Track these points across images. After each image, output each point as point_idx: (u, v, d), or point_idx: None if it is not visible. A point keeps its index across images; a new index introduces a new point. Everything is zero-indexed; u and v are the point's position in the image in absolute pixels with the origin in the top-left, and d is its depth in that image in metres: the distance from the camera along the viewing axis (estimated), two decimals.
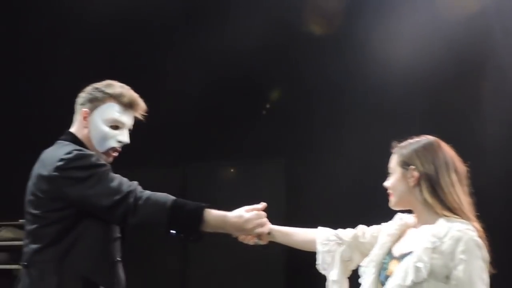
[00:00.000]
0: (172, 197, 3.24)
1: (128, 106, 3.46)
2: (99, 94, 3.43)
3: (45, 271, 3.24)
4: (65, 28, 7.73)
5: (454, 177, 2.99)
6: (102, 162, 3.34)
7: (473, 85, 6.90)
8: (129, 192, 3.21)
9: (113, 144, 3.45)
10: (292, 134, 7.62)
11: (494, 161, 6.75)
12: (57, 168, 3.25)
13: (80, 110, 3.46)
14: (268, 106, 7.87)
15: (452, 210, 2.96)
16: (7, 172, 7.27)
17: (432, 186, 2.97)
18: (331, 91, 7.35)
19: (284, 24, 7.39)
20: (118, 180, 3.27)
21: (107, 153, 3.46)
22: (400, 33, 6.97)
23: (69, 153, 3.27)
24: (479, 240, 2.89)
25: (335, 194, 7.07)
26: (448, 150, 3.07)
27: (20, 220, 8.12)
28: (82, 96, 3.49)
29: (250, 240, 3.40)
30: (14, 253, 7.16)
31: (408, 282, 2.85)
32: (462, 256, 2.82)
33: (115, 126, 3.45)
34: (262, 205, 3.38)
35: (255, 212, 3.30)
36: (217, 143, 7.92)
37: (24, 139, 7.34)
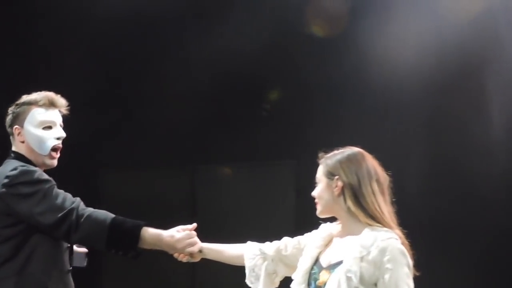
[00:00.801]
0: (112, 216, 3.40)
1: (49, 105, 3.64)
2: (20, 109, 3.64)
3: (6, 287, 3.40)
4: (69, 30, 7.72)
5: (376, 187, 3.12)
6: (46, 177, 3.51)
7: (477, 87, 6.89)
8: (72, 210, 3.37)
9: (53, 142, 3.62)
10: (302, 135, 7.60)
11: (497, 163, 6.76)
12: (4, 185, 3.43)
13: (12, 129, 3.66)
14: (274, 107, 7.85)
15: (374, 218, 3.10)
16: None
17: (355, 195, 3.12)
18: (337, 92, 7.34)
19: (291, 25, 7.38)
20: (62, 196, 3.43)
21: (50, 154, 3.62)
22: (404, 34, 6.96)
23: (14, 169, 3.46)
24: (403, 248, 3.04)
25: None
26: (371, 161, 3.21)
27: None
28: (9, 118, 3.70)
29: (183, 258, 3.56)
30: None
31: None
32: (388, 265, 2.98)
33: (47, 127, 3.62)
34: (193, 225, 3.55)
35: (186, 232, 3.47)
36: (226, 144, 7.91)
37: None
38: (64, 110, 3.73)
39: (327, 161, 3.25)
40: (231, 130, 7.80)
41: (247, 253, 3.56)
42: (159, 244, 3.45)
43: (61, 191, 3.47)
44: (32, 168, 3.50)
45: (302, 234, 3.36)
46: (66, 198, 3.43)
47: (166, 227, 3.63)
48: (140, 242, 3.39)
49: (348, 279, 3.01)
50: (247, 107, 7.78)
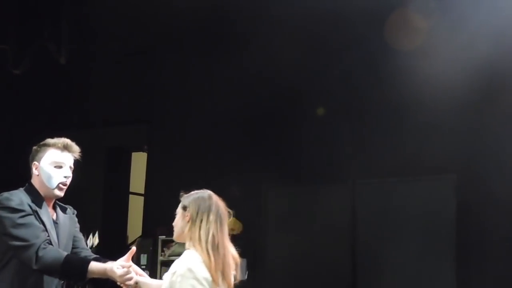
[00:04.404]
0: (64, 254, 4.11)
1: (64, 148, 4.35)
2: (40, 148, 4.35)
3: None
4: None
5: (212, 218, 3.93)
6: (23, 208, 4.15)
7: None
8: (34, 244, 4.07)
9: (60, 179, 4.31)
10: (463, 148, 7.51)
11: None
12: None
13: (32, 164, 4.35)
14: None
15: (193, 244, 3.91)
16: None
17: (193, 225, 3.93)
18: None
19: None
20: (31, 229, 4.12)
21: (58, 186, 4.30)
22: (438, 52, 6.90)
23: (1, 195, 4.21)
24: (192, 265, 3.80)
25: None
26: (216, 200, 4.01)
27: None
28: (31, 155, 4.38)
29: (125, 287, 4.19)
30: None
31: None
32: (175, 278, 3.81)
33: (58, 166, 4.31)
34: (129, 263, 4.13)
35: (124, 270, 4.08)
36: (388, 158, 7.90)
37: None
38: (77, 155, 4.41)
39: (184, 198, 4.02)
40: (397, 143, 7.82)
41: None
42: (104, 275, 4.13)
43: (33, 223, 4.14)
44: (13, 196, 4.19)
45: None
46: (33, 232, 4.11)
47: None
48: (88, 274, 4.11)
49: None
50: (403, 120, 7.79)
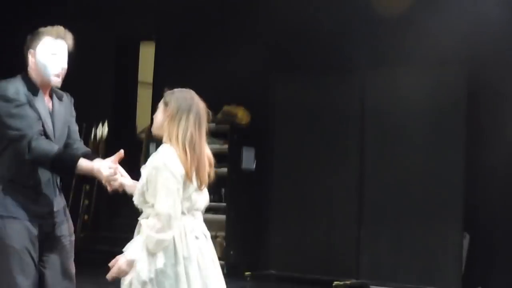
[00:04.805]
0: (55, 148, 4.21)
1: (58, 36, 4.36)
2: (35, 37, 4.35)
3: None
4: None
5: (192, 117, 4.01)
6: (18, 98, 4.23)
7: None
8: (26, 135, 4.17)
9: (56, 70, 4.32)
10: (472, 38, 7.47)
11: None
12: None
13: (28, 52, 4.36)
14: None
15: (170, 139, 4.01)
16: None
17: (172, 121, 4.02)
18: None
19: None
20: (25, 120, 4.20)
21: (55, 75, 4.32)
22: None
23: None
24: (167, 159, 3.94)
25: None
26: (198, 101, 4.07)
27: None
28: (26, 44, 4.40)
29: (109, 188, 4.31)
30: None
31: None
32: (151, 171, 3.95)
33: (53, 54, 4.32)
34: (116, 165, 4.26)
35: (111, 171, 4.22)
36: (396, 47, 7.87)
37: None
38: (71, 44, 4.39)
39: (167, 94, 4.10)
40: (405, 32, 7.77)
41: None
42: (91, 174, 4.25)
43: (27, 114, 4.21)
44: (10, 86, 4.25)
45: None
46: (28, 123, 4.20)
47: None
48: (76, 170, 4.25)
49: (141, 181, 4.00)
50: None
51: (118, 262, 3.97)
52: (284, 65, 8.60)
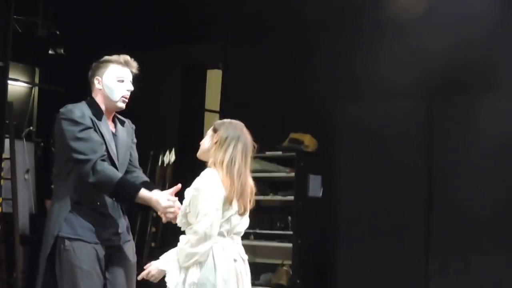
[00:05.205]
0: (119, 175, 4.35)
1: (124, 64, 4.54)
2: (102, 64, 4.54)
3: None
4: None
5: (239, 146, 4.14)
6: (83, 121, 4.35)
7: None
8: (91, 159, 4.28)
9: (123, 93, 4.51)
10: None
11: None
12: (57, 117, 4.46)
13: (94, 79, 4.54)
14: None
15: (215, 164, 4.15)
16: None
17: (220, 147, 4.17)
18: None
19: None
20: (89, 143, 4.32)
21: (121, 99, 4.50)
22: None
23: (65, 106, 4.42)
24: (210, 181, 4.08)
25: None
26: (246, 132, 4.24)
27: (267, 153, 8.41)
28: (92, 71, 4.58)
29: (164, 219, 4.46)
30: (261, 184, 7.37)
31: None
32: (195, 193, 4.10)
33: (120, 80, 4.50)
34: (175, 198, 4.42)
35: (169, 203, 4.36)
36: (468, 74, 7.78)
37: None
38: (135, 71, 4.58)
39: (216, 123, 4.31)
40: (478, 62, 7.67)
41: None
42: (148, 204, 4.39)
43: (92, 138, 4.33)
44: (76, 110, 4.38)
45: None
46: (92, 147, 4.31)
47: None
48: (136, 199, 4.35)
49: (184, 203, 4.15)
50: None
51: (150, 267, 4.16)
52: (351, 91, 8.55)
